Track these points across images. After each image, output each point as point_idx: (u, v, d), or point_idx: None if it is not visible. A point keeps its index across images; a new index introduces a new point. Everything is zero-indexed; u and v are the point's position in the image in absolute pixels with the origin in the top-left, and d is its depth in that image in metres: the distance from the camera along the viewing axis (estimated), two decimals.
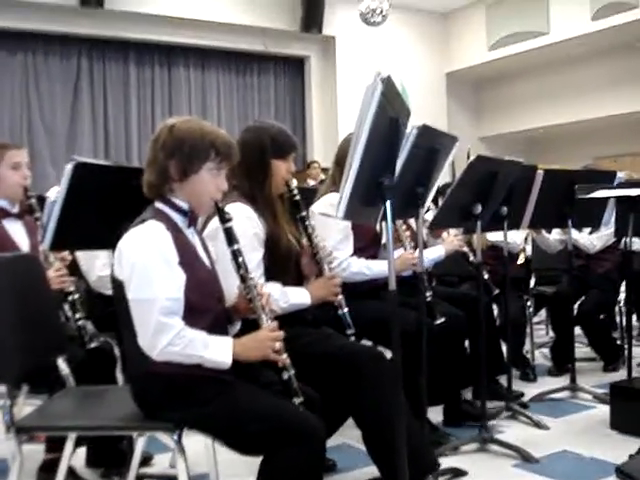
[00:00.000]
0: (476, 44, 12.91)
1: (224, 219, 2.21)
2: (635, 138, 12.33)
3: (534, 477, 3.00)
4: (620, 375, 4.27)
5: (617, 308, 5.21)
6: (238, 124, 11.76)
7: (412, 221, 3.73)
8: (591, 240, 4.70)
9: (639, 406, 3.42)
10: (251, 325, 2.19)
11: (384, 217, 2.11)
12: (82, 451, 3.03)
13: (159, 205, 2.16)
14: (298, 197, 2.76)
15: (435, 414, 3.62)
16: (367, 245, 3.35)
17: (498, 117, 13.95)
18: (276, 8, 11.69)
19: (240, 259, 2.19)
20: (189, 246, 2.16)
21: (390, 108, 2.01)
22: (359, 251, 3.31)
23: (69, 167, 2.53)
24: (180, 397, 2.06)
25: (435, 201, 4.36)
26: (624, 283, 4.72)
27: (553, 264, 5.09)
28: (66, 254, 3.15)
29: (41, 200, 3.33)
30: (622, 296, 4.87)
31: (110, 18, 10.53)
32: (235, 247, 2.20)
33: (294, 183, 2.78)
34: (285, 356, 2.14)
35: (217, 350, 2.05)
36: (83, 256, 3.45)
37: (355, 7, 10.75)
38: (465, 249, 3.96)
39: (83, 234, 2.71)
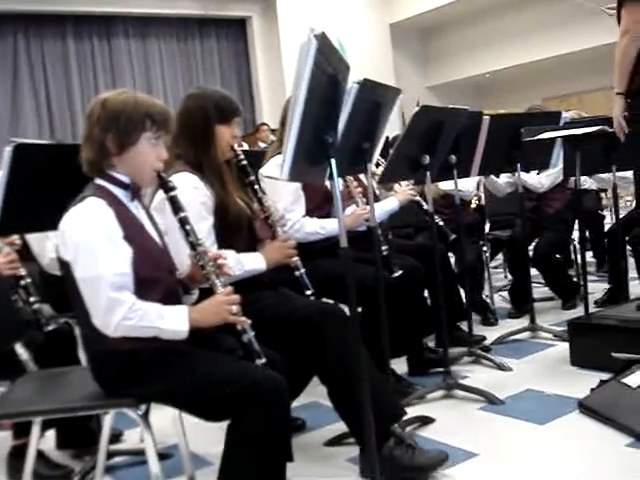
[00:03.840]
0: None
1: (167, 188, 2.20)
2: (581, 77, 12.45)
3: (500, 418, 3.07)
4: (578, 312, 4.35)
5: (572, 246, 5.31)
6: (183, 91, 11.55)
7: (363, 176, 3.73)
8: (539, 179, 4.76)
9: (597, 341, 3.50)
10: (208, 294, 2.18)
11: (330, 175, 2.10)
12: (52, 434, 3.02)
13: (99, 181, 2.13)
14: (245, 162, 2.73)
15: (400, 365, 3.67)
16: (319, 204, 3.34)
17: (445, 65, 13.99)
18: None
19: (188, 227, 2.18)
20: (133, 220, 2.14)
21: (327, 65, 1.98)
22: (311, 211, 3.31)
23: (8, 149, 2.48)
24: (139, 372, 2.05)
25: (385, 154, 4.36)
26: (577, 221, 4.80)
27: (506, 208, 5.15)
28: (15, 238, 3.10)
29: None
30: (576, 234, 4.95)
31: None
32: (181, 214, 2.19)
33: (240, 148, 2.76)
34: (243, 319, 2.14)
35: (173, 319, 2.04)
36: (34, 239, 3.39)
37: None
38: (418, 198, 3.98)
39: (30, 217, 2.65)
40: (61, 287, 2.18)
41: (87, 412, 2.40)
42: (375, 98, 2.66)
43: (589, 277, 4.19)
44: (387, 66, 13.04)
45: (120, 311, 1.97)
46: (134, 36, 11.80)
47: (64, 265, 2.06)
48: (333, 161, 2.07)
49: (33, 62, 10.95)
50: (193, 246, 2.18)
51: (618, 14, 3.37)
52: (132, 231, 2.08)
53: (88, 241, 1.99)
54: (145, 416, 2.12)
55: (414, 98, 9.04)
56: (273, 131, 9.47)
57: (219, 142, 2.67)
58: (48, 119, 11.03)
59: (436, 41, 14.19)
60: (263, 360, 2.14)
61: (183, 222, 2.19)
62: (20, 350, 2.69)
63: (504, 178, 4.86)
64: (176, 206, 2.20)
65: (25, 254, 3.22)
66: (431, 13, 12.94)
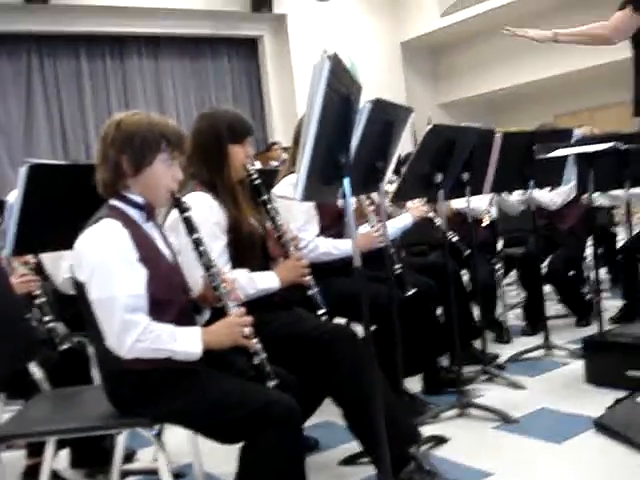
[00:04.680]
0: (428, 11, 12.93)
1: (182, 209, 2.20)
2: (592, 93, 12.44)
3: (515, 437, 3.05)
4: (593, 329, 4.33)
5: (585, 263, 5.29)
6: (196, 110, 11.69)
7: (375, 195, 3.73)
8: (551, 197, 4.75)
9: (612, 358, 3.48)
10: (220, 314, 2.19)
11: (343, 194, 2.11)
12: (66, 453, 3.02)
13: (114, 202, 2.14)
14: (258, 181, 2.74)
15: (414, 384, 3.65)
16: (332, 223, 3.34)
17: (456, 82, 14.00)
18: None
19: (202, 248, 2.18)
20: (148, 241, 2.15)
21: (340, 85, 2.00)
22: (324, 229, 3.31)
23: (23, 170, 2.50)
24: (153, 392, 2.05)
25: (398, 172, 4.37)
26: (590, 238, 4.78)
27: (519, 225, 5.13)
28: (29, 258, 3.12)
29: (1, 204, 3.29)
30: (589, 251, 4.93)
31: (57, 13, 10.38)
32: (195, 236, 2.19)
33: (253, 167, 2.77)
34: (255, 341, 2.14)
35: (186, 341, 2.05)
36: (47, 259, 3.40)
37: None
38: (432, 215, 3.98)
39: (44, 236, 2.66)
40: (75, 306, 2.19)
41: (101, 432, 2.40)
42: (387, 117, 2.67)
43: (603, 294, 4.17)
44: (398, 84, 13.08)
45: (134, 333, 1.98)
46: (147, 56, 11.88)
47: (78, 285, 2.07)
48: (346, 180, 2.08)
49: (47, 82, 11.03)
50: (207, 267, 2.19)
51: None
52: (147, 252, 2.08)
53: (103, 262, 2.00)
54: (159, 436, 2.12)
55: (426, 116, 9.04)
56: (285, 149, 9.50)
57: (232, 162, 2.68)
58: (61, 139, 11.09)
59: (447, 59, 14.23)
60: (275, 382, 2.14)
61: (197, 243, 2.19)
62: (34, 369, 2.70)
63: (516, 196, 4.86)
64: (190, 227, 2.20)
65: (39, 273, 3.24)
66: (441, 31, 12.98)
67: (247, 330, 2.12)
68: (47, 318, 2.96)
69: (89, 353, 3.07)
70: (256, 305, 2.42)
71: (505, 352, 4.27)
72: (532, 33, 3.74)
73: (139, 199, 2.16)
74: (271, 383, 2.13)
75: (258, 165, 2.78)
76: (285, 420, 2.00)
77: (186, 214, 2.21)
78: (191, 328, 2.11)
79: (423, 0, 12.99)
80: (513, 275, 5.90)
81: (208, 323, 2.24)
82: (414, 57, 13.78)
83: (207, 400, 2.05)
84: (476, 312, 4.25)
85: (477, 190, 3.86)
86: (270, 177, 3.39)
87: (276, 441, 1.98)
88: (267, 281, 2.64)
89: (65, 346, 2.95)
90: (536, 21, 11.99)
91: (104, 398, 2.15)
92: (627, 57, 3.40)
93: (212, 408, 2.04)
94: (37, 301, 2.98)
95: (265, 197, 2.73)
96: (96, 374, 3.03)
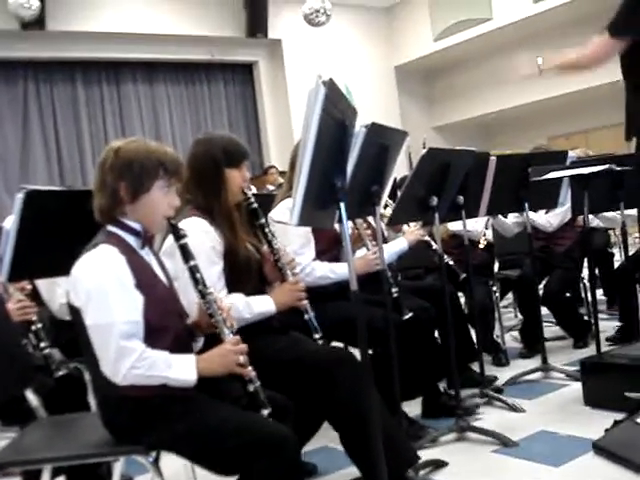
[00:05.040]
0: (421, 36, 13.02)
1: (178, 236, 2.21)
2: (585, 115, 12.52)
3: (514, 461, 3.03)
4: (590, 350, 4.32)
5: (582, 285, 5.29)
6: (192, 135, 11.72)
7: (371, 218, 3.74)
8: (547, 219, 4.77)
9: (610, 380, 3.47)
10: (215, 340, 2.18)
11: (340, 219, 2.11)
12: None
13: (111, 228, 2.14)
14: (255, 205, 2.75)
15: (413, 407, 3.64)
16: (328, 247, 3.34)
17: (450, 106, 14.08)
18: (220, 15, 11.70)
19: (198, 275, 2.18)
20: (145, 267, 2.15)
21: (335, 110, 2.01)
22: (321, 253, 3.31)
23: (19, 196, 2.50)
24: (149, 419, 2.04)
25: (394, 195, 4.38)
26: (586, 259, 4.79)
27: (515, 248, 5.13)
28: (25, 284, 3.11)
29: None
30: (585, 272, 4.93)
31: (53, 39, 10.45)
32: (192, 263, 2.19)
33: (250, 191, 2.78)
34: (250, 369, 2.14)
35: (181, 369, 2.04)
36: (43, 284, 3.40)
37: (299, 9, 10.78)
38: (427, 238, 3.98)
39: (41, 262, 2.67)
40: (71, 332, 2.18)
41: (97, 459, 2.38)
42: (382, 141, 2.69)
43: (600, 315, 4.17)
44: (393, 108, 13.15)
45: (129, 360, 1.97)
46: (142, 81, 11.92)
47: (74, 311, 2.07)
48: (342, 205, 2.08)
49: (43, 108, 11.06)
50: (202, 295, 2.18)
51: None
52: (143, 278, 2.08)
53: (100, 288, 2.00)
54: (156, 462, 2.11)
55: (420, 139, 9.09)
56: (281, 173, 9.53)
57: (230, 186, 2.69)
58: (57, 163, 11.11)
59: (441, 82, 14.31)
60: (269, 410, 2.13)
61: (193, 271, 2.19)
62: (30, 396, 2.68)
63: (512, 218, 4.87)
64: (186, 254, 2.20)
65: (35, 299, 3.23)
66: (435, 55, 13.07)
67: (242, 358, 2.12)
68: (43, 344, 2.95)
69: (85, 379, 3.05)
70: (254, 330, 2.42)
71: (503, 375, 4.26)
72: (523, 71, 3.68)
73: (136, 225, 2.16)
74: (265, 412, 2.12)
75: (254, 190, 2.78)
76: (281, 449, 1.99)
77: (182, 241, 2.21)
78: (186, 356, 2.11)
79: (417, 25, 13.09)
80: (510, 297, 5.91)
81: (202, 350, 2.23)
82: (408, 81, 13.87)
83: (203, 428, 2.04)
84: (473, 335, 4.23)
85: (473, 213, 3.88)
86: (266, 201, 3.40)
87: (272, 471, 1.97)
88: (263, 305, 2.64)
89: (61, 372, 2.94)
90: (529, 45, 12.11)
91: (100, 425, 2.14)
92: (621, 79, 3.42)
93: (208, 436, 2.03)
94: (33, 327, 2.98)
95: (262, 221, 2.74)
96: (92, 400, 3.02)
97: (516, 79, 3.63)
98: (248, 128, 12.88)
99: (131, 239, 2.15)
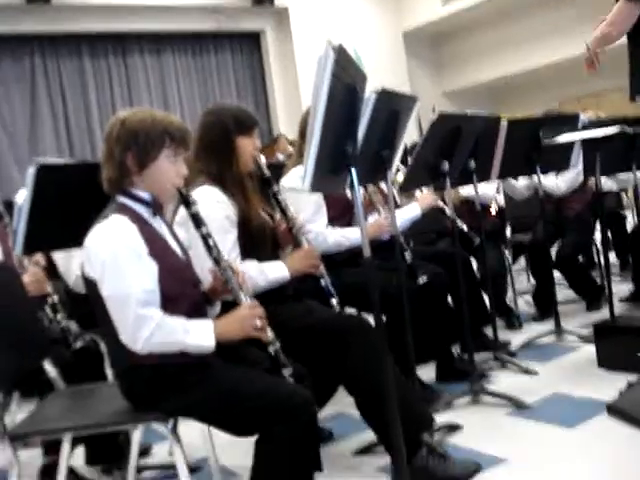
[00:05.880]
0: (429, 0, 12.86)
1: (189, 204, 2.22)
2: (596, 78, 12.35)
3: (528, 423, 3.05)
4: (603, 314, 4.32)
5: (594, 248, 5.28)
6: (200, 106, 11.69)
7: (383, 184, 3.73)
8: (556, 183, 4.74)
9: (623, 342, 3.47)
10: (231, 307, 2.20)
11: (351, 184, 2.11)
12: (81, 450, 3.04)
13: (121, 199, 2.15)
14: (268, 173, 2.75)
15: (427, 371, 3.66)
16: (341, 213, 3.35)
17: (460, 71, 13.95)
18: None
19: (211, 241, 2.20)
20: (157, 236, 2.16)
21: (345, 76, 2.00)
22: (334, 220, 3.31)
23: (31, 170, 2.51)
24: (167, 387, 2.07)
25: (405, 161, 4.36)
26: (598, 223, 4.77)
27: (526, 211, 5.11)
28: (39, 258, 3.13)
29: (9, 205, 3.31)
30: (598, 236, 4.91)
31: (58, 13, 10.38)
32: (204, 230, 2.21)
33: (263, 159, 2.78)
34: (269, 330, 2.16)
35: (199, 334, 2.06)
36: (60, 258, 3.42)
37: None
38: (440, 204, 3.97)
39: (54, 235, 2.69)
40: (87, 304, 2.20)
41: (116, 428, 2.41)
42: (393, 107, 2.67)
43: (613, 278, 4.16)
44: (402, 74, 13.03)
45: (148, 328, 1.99)
46: (149, 52, 11.86)
47: (89, 283, 2.08)
48: (354, 170, 2.08)
49: (50, 81, 11.02)
50: (216, 261, 2.20)
51: None
52: (156, 247, 2.10)
53: (114, 259, 2.01)
54: (174, 430, 2.13)
55: (430, 105, 9.02)
56: (290, 142, 9.50)
57: (241, 154, 2.69)
58: (67, 137, 11.09)
59: (449, 47, 14.17)
60: (290, 370, 2.15)
61: (205, 237, 2.21)
62: (48, 368, 2.71)
63: (522, 181, 4.84)
64: (197, 221, 2.22)
65: (51, 273, 3.26)
66: (443, 20, 12.92)
67: (259, 322, 2.13)
68: (60, 317, 2.98)
69: (102, 350, 3.08)
70: (268, 297, 2.43)
71: (516, 338, 4.27)
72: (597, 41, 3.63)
73: (145, 195, 2.17)
74: (286, 371, 2.15)
75: (263, 159, 2.78)
76: (301, 412, 2.01)
77: (193, 209, 2.22)
78: (203, 321, 2.12)
79: None
80: (522, 261, 5.90)
81: (219, 316, 2.24)
82: (417, 47, 13.73)
83: (221, 392, 2.06)
84: (486, 299, 4.24)
85: (484, 177, 3.86)
86: (277, 170, 3.40)
87: (292, 433, 1.99)
88: (277, 271, 2.65)
89: (78, 344, 2.97)
90: (539, 8, 11.97)
91: (118, 394, 2.16)
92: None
93: (227, 400, 2.05)
94: (49, 300, 3.00)
95: (275, 189, 2.74)
96: (109, 371, 3.06)
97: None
98: (256, 97, 12.81)
99: (142, 209, 2.16)
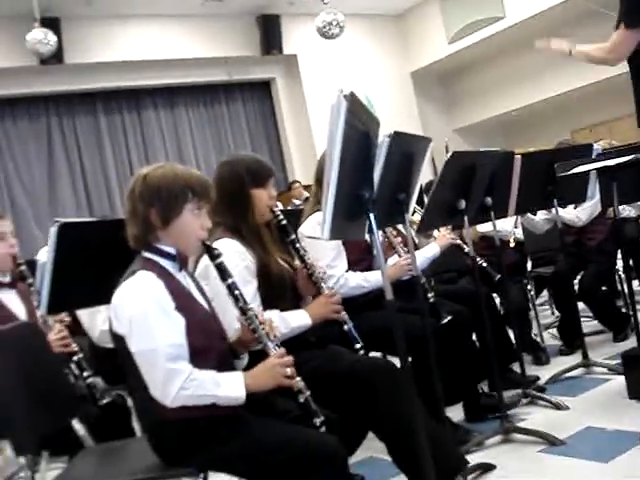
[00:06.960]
0: (435, 39, 13.00)
1: (214, 256, 2.23)
2: (607, 106, 12.40)
3: (562, 459, 3.00)
4: (631, 343, 4.27)
5: (617, 277, 5.24)
6: (215, 156, 11.81)
7: (401, 226, 3.74)
8: (576, 214, 4.73)
9: None
10: (258, 357, 2.20)
11: (370, 229, 2.12)
12: None
13: (147, 254, 2.17)
14: (284, 221, 2.77)
15: (456, 412, 3.62)
16: (360, 257, 3.36)
17: (469, 107, 14.03)
18: (234, 35, 11.79)
19: (237, 292, 2.21)
20: (183, 290, 2.17)
21: (358, 122, 2.02)
22: (353, 264, 3.32)
23: (53, 230, 2.53)
24: (197, 440, 2.06)
25: (420, 201, 4.37)
26: (619, 251, 4.74)
27: (546, 244, 5.09)
28: (64, 315, 3.15)
29: (31, 264, 3.34)
30: (620, 264, 4.88)
31: (72, 72, 10.59)
32: (229, 281, 2.22)
33: (279, 208, 2.79)
34: (298, 379, 2.15)
35: (229, 386, 2.06)
36: (84, 314, 3.44)
37: (312, 23, 10.81)
38: (459, 242, 3.97)
39: (78, 293, 2.70)
40: (112, 360, 2.21)
41: None
42: (407, 149, 2.69)
43: (638, 306, 4.11)
44: (412, 114, 13.13)
45: (178, 381, 1.99)
46: (162, 106, 12.02)
47: (117, 338, 2.09)
48: (372, 216, 2.09)
49: (67, 140, 11.20)
50: (243, 311, 2.21)
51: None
52: (183, 301, 2.11)
53: (142, 314, 2.02)
54: None
55: (442, 143, 9.05)
56: (306, 187, 9.56)
57: (257, 205, 2.71)
58: (85, 194, 11.22)
59: (458, 84, 14.27)
60: (322, 418, 2.14)
61: (232, 288, 2.22)
62: (77, 426, 2.71)
63: (541, 215, 4.83)
64: (224, 273, 2.23)
65: (76, 328, 3.27)
66: (450, 58, 13.03)
67: (289, 370, 2.13)
68: (86, 374, 2.99)
69: (129, 405, 3.08)
70: (292, 345, 2.42)
71: (544, 373, 4.22)
72: (554, 45, 3.74)
73: (171, 249, 2.18)
74: (318, 420, 2.14)
75: (280, 206, 2.80)
76: (332, 461, 2.00)
77: (218, 260, 2.24)
78: (233, 373, 2.13)
79: (429, 29, 13.08)
80: (545, 295, 5.86)
81: (247, 367, 2.24)
82: (425, 86, 13.85)
83: (253, 445, 2.05)
84: (511, 335, 4.21)
85: (501, 213, 3.86)
86: (293, 216, 3.42)
87: None
88: (299, 319, 2.65)
89: (105, 400, 2.97)
90: (544, 38, 12.05)
91: (148, 450, 2.15)
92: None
93: (259, 452, 2.04)
94: (75, 357, 3.01)
95: (293, 236, 2.76)
96: (137, 426, 3.05)
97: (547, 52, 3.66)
98: (270, 145, 12.94)
99: (167, 263, 2.17)
